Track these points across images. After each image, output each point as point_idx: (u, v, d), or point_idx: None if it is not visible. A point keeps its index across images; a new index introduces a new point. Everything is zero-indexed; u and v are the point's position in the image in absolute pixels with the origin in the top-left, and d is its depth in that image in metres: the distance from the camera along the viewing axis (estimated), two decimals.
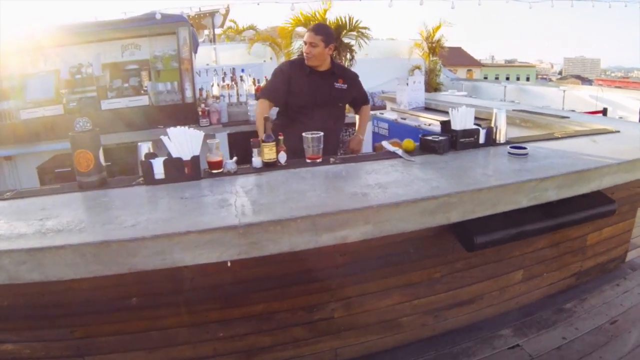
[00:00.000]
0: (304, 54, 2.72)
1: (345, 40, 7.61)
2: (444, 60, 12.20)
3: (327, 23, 7.66)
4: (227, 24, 14.19)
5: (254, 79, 4.74)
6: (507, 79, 40.73)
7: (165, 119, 4.32)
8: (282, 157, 2.08)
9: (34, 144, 4.10)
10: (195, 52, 4.83)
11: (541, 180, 1.88)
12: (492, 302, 2.55)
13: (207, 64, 11.46)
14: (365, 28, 7.75)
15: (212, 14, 11.52)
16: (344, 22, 7.48)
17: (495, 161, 2.17)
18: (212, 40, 12.45)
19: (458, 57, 34.61)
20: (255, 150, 2.06)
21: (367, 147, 4.58)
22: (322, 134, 2.13)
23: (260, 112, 2.74)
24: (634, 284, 2.91)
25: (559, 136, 2.79)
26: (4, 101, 4.15)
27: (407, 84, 5.72)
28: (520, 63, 58.46)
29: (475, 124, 2.46)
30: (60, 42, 4.18)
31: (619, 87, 8.63)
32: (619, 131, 2.99)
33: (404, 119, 5.32)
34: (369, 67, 8.84)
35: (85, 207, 1.72)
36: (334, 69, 2.85)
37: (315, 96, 2.77)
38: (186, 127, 1.98)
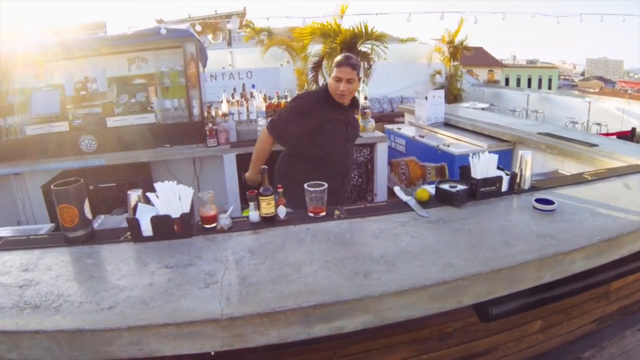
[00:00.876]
0: (338, 93, 2.39)
1: (362, 49, 7.45)
2: (465, 61, 11.93)
3: (342, 32, 7.53)
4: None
5: (264, 95, 4.57)
6: (529, 80, 39.85)
7: (172, 138, 4.22)
8: (282, 212, 1.91)
9: (41, 161, 4.04)
10: (204, 65, 4.70)
11: (568, 253, 1.67)
12: (507, 352, 2.35)
13: (223, 67, 11.38)
14: (383, 36, 7.55)
15: (229, 16, 11.39)
16: (359, 30, 7.30)
17: (519, 220, 1.94)
18: (229, 43, 12.34)
19: (479, 58, 33.86)
20: (251, 204, 1.90)
21: (383, 163, 4.43)
22: (326, 186, 1.93)
23: (262, 148, 2.53)
24: None
25: (589, 178, 2.56)
26: (9, 117, 4.08)
27: (427, 98, 5.50)
28: (542, 64, 57.15)
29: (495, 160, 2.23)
30: (64, 56, 4.09)
31: None
32: None
33: (422, 136, 5.10)
34: (387, 72, 8.65)
35: (67, 273, 1.59)
36: (353, 102, 2.59)
37: (348, 135, 2.58)
38: (174, 183, 1.82)
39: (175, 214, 1.81)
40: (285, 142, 2.53)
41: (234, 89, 4.69)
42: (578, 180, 2.53)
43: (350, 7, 7.67)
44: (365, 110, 4.55)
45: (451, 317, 2.01)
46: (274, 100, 4.52)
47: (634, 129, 6.18)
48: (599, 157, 3.32)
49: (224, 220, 1.86)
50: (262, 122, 4.13)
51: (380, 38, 7.63)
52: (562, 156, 3.72)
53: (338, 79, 2.35)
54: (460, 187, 2.14)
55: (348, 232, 1.80)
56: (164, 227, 1.81)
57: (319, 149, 2.50)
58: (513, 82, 39.09)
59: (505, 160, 4.52)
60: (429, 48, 12.64)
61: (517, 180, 2.29)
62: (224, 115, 4.33)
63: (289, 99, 4.49)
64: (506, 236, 1.77)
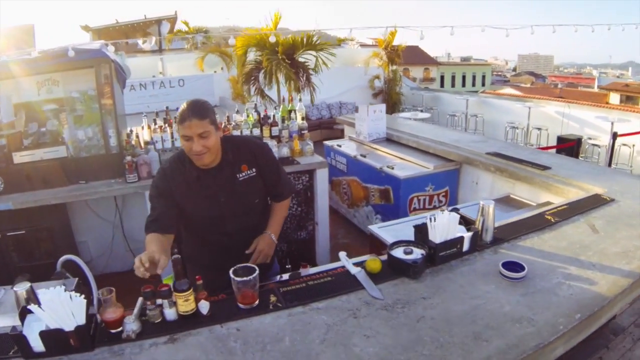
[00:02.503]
0: (194, 156, 1.81)
1: (301, 59, 7.09)
2: (401, 60, 11.90)
3: (279, 42, 7.12)
4: (179, 26, 13.35)
5: None
6: (464, 77, 41.31)
7: (87, 173, 3.68)
8: (204, 307, 1.52)
9: None
10: (123, 87, 4.16)
11: (550, 344, 1.41)
12: None
13: (154, 76, 10.67)
14: (324, 44, 7.21)
15: (159, 21, 10.67)
16: (298, 40, 6.93)
17: (487, 295, 1.65)
18: (160, 49, 11.59)
19: (415, 56, 34.62)
20: (164, 302, 1.50)
21: (323, 190, 4.10)
22: (256, 273, 1.56)
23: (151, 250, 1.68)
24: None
25: (552, 220, 2.35)
26: None
27: (367, 114, 5.24)
28: (476, 61, 59.41)
29: None
30: None
31: (587, 103, 8.46)
32: (613, 200, 2.66)
33: (364, 155, 4.84)
34: (324, 77, 8.36)
35: None
36: (228, 155, 1.94)
37: (217, 205, 1.93)
38: (61, 289, 1.38)
39: (68, 326, 1.38)
40: (163, 229, 1.83)
41: (156, 114, 4.17)
42: (541, 224, 2.32)
43: (290, 11, 7.32)
44: (302, 132, 4.20)
45: None
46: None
47: (579, 140, 6.28)
48: (554, 182, 3.19)
49: (130, 327, 1.45)
50: None
51: (321, 47, 7.29)
52: (513, 179, 3.58)
53: (187, 138, 1.77)
54: (416, 252, 1.84)
55: (288, 334, 1.43)
56: (57, 342, 1.38)
57: (190, 234, 2.05)
58: (448, 79, 40.43)
59: (452, 180, 4.36)
60: (366, 52, 12.52)
61: (479, 235, 2.03)
62: (146, 143, 3.83)
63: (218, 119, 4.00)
64: (477, 325, 1.48)
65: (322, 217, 4.12)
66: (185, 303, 1.49)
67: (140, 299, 1.57)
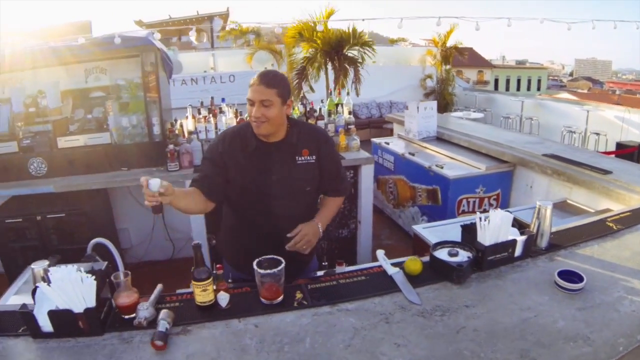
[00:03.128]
0: (252, 121, 1.75)
1: (349, 53, 6.94)
2: (455, 62, 11.48)
3: (329, 33, 7.01)
4: (230, 26, 13.55)
5: (236, 110, 4.06)
6: (519, 80, 39.73)
7: (130, 160, 3.71)
8: (223, 299, 1.41)
9: None
10: (170, 76, 4.18)
11: None
12: None
13: (205, 71, 10.85)
14: (370, 42, 7.03)
15: (211, 17, 10.84)
16: (347, 33, 6.79)
17: (539, 307, 1.45)
18: (212, 45, 11.78)
19: (469, 58, 33.56)
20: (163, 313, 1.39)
21: (368, 188, 3.93)
22: (282, 265, 1.44)
23: (194, 200, 1.73)
24: None
25: (614, 228, 2.10)
26: None
27: (418, 111, 5.02)
28: (531, 64, 56.86)
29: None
30: (13, 67, 3.56)
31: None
32: None
33: (413, 154, 4.63)
34: (375, 76, 8.17)
35: None
36: (292, 136, 1.84)
37: (268, 182, 1.81)
38: (73, 268, 1.32)
39: (78, 308, 1.31)
40: (205, 190, 1.78)
41: (201, 103, 4.15)
42: (602, 231, 2.06)
43: (338, 11, 7.17)
44: (349, 127, 4.05)
45: None
46: (246, 116, 4.00)
47: None
48: (615, 188, 2.89)
49: (143, 313, 1.36)
50: None
51: (368, 43, 7.10)
52: (571, 183, 3.28)
53: (251, 102, 1.72)
54: (462, 254, 1.65)
55: (309, 335, 1.30)
56: (66, 324, 1.32)
57: (233, 205, 1.91)
58: (502, 82, 38.99)
59: (505, 182, 4.08)
60: (419, 51, 12.18)
61: (534, 240, 1.81)
62: (189, 133, 3.82)
63: None
64: (526, 341, 1.28)
65: (365, 216, 3.96)
66: (204, 293, 1.39)
67: (159, 286, 1.49)
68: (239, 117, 3.99)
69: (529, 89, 39.13)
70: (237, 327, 1.35)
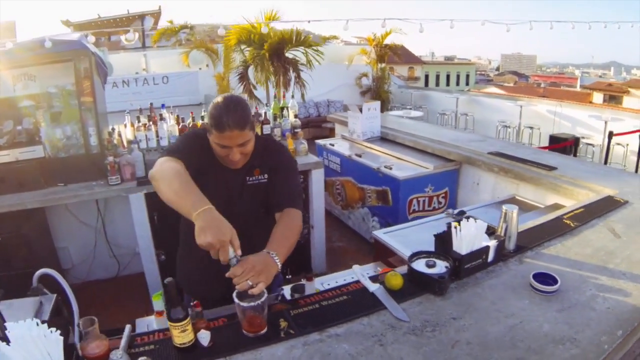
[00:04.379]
0: (229, 160, 1.58)
1: (289, 55, 6.86)
2: (389, 60, 11.75)
3: (269, 36, 6.88)
4: (162, 24, 12.97)
5: (177, 116, 3.85)
6: (448, 76, 41.50)
7: (66, 175, 3.41)
8: (204, 338, 1.30)
9: None
10: (105, 81, 3.89)
11: None
12: None
13: (137, 72, 10.32)
14: (317, 44, 7.00)
15: (142, 16, 10.32)
16: (288, 35, 6.70)
17: (522, 313, 1.47)
18: (143, 44, 11.22)
19: (400, 55, 34.51)
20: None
21: (319, 191, 3.89)
22: (264, 299, 1.30)
23: (171, 166, 1.49)
24: None
25: (571, 225, 2.19)
26: None
27: (362, 111, 5.04)
28: (460, 60, 59.69)
29: None
30: None
31: (580, 103, 8.39)
32: (627, 201, 2.53)
33: (360, 155, 4.64)
34: (311, 75, 8.15)
35: None
36: (256, 159, 1.68)
37: (224, 204, 1.45)
38: (33, 323, 1.14)
39: None
40: (185, 160, 1.54)
41: (140, 111, 3.89)
42: (561, 229, 2.15)
43: (279, 12, 7.04)
44: (296, 131, 3.98)
45: None
46: (188, 122, 3.81)
47: (577, 139, 6.17)
48: (562, 183, 3.04)
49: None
50: None
51: (312, 44, 7.07)
52: (518, 180, 3.42)
53: (224, 146, 1.54)
54: (439, 264, 1.64)
55: None
56: None
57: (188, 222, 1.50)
58: (432, 78, 40.54)
59: (452, 180, 4.19)
60: (351, 49, 12.33)
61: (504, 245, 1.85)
62: (129, 143, 3.57)
63: (205, 120, 3.70)
64: (518, 349, 1.29)
65: (318, 220, 3.91)
66: (183, 334, 1.26)
67: (127, 327, 1.34)
68: (180, 125, 3.79)
69: (458, 84, 40.96)
70: None
